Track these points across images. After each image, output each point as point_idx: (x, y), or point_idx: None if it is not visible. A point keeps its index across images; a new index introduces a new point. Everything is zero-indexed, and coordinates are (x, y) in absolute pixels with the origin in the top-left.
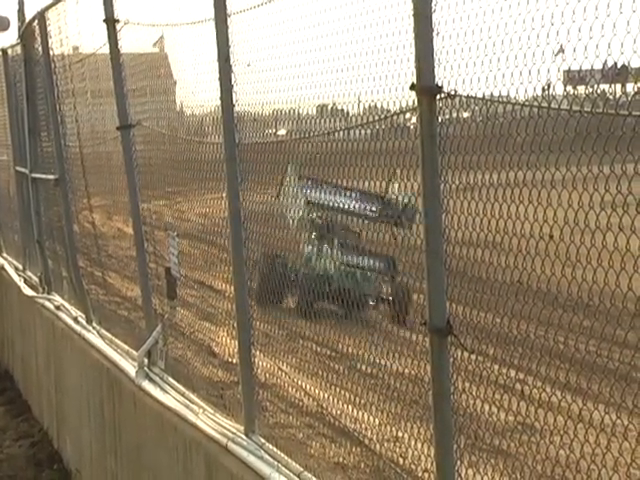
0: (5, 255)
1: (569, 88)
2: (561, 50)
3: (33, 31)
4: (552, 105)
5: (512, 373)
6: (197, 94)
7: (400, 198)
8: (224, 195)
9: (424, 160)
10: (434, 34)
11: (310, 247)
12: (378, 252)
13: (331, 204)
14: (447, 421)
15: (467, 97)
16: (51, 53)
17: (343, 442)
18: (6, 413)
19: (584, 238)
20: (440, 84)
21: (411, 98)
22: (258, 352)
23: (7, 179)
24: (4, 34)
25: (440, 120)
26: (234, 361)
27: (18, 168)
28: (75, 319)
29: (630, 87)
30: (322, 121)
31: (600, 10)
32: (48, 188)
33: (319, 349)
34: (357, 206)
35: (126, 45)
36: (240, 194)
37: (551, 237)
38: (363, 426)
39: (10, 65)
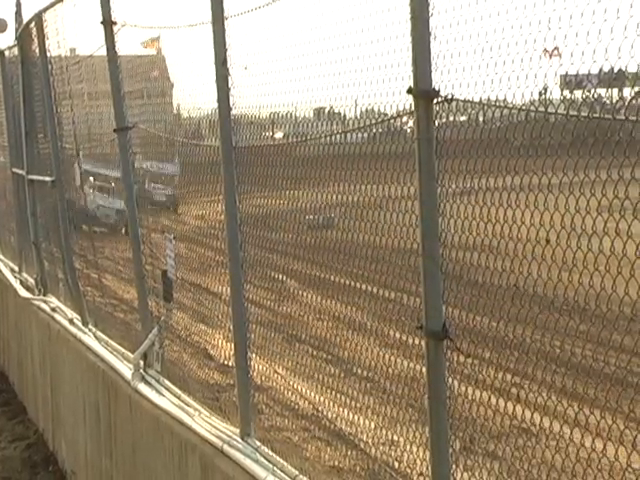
0: (1, 257)
1: (566, 92)
2: (556, 53)
3: (30, 33)
4: (549, 109)
5: (508, 377)
6: (194, 97)
7: None
8: (221, 198)
9: (421, 164)
10: (431, 38)
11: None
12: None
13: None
14: (443, 425)
15: (464, 101)
16: (48, 55)
17: (339, 445)
18: (1, 415)
19: (581, 242)
20: (437, 88)
21: (408, 102)
22: (254, 355)
23: (3, 181)
24: (1, 36)
25: (437, 124)
26: (230, 364)
27: (15, 170)
28: (71, 321)
29: (627, 92)
30: (319, 124)
31: (597, 15)
32: (45, 190)
33: (315, 352)
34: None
35: (123, 47)
36: (237, 197)
37: (547, 241)
38: (359, 429)
39: (7, 67)
